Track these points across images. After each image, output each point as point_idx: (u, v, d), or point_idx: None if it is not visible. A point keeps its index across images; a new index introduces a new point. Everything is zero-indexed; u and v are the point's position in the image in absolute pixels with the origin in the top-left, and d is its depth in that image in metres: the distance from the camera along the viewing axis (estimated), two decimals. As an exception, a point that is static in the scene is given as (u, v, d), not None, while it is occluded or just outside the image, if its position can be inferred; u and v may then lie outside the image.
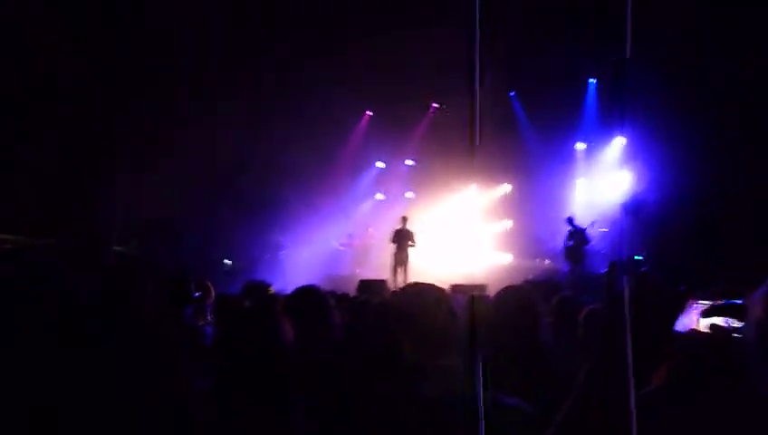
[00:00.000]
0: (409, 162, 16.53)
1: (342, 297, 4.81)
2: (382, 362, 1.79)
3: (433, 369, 1.51)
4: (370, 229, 15.22)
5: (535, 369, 2.26)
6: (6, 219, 7.54)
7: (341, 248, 15.49)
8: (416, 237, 12.42)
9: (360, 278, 10.97)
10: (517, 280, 6.08)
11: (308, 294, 2.60)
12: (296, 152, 13.76)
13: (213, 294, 4.34)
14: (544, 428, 1.44)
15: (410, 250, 12.76)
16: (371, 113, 16.07)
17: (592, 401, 1.36)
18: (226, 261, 13.62)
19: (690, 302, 1.58)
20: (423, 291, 1.66)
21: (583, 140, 15.11)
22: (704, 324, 1.51)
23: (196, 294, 3.89)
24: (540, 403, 1.54)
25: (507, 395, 1.54)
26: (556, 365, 2.27)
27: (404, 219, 12.92)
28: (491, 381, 1.35)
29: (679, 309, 1.48)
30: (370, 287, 8.73)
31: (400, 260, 12.40)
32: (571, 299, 3.11)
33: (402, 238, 12.56)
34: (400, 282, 11.63)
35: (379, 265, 13.50)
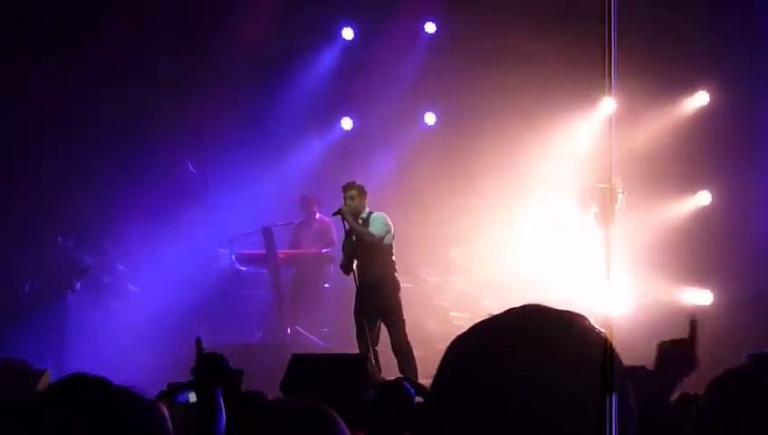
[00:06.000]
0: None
1: (246, 399, 5.46)
2: None
3: None
4: (319, 216, 15.31)
5: None
6: None
7: (243, 269, 15.68)
8: (379, 226, 12.40)
9: (293, 351, 10.91)
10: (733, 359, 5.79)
11: (75, 393, 2.47)
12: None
13: None
14: None
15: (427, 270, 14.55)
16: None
17: None
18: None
19: None
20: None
21: None
22: None
23: None
24: None
25: None
26: None
27: (348, 191, 12.49)
28: None
29: None
30: (324, 375, 9.28)
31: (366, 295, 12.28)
32: None
33: (358, 247, 12.48)
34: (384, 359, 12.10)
35: (345, 312, 13.26)
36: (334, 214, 12.54)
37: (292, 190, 15.54)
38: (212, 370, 5.74)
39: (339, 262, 13.45)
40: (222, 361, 5.78)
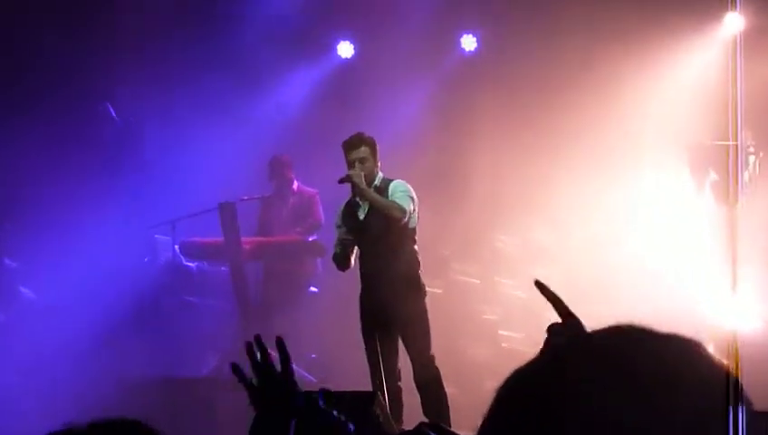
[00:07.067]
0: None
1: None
2: None
3: None
4: (297, 186, 14.55)
5: None
6: None
7: (191, 265, 14.74)
8: (404, 199, 11.06)
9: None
10: None
11: None
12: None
13: None
14: None
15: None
16: None
17: None
18: None
19: None
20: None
21: None
22: None
23: None
24: None
25: None
26: None
27: (355, 151, 11.13)
28: None
29: None
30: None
31: (378, 303, 11.03)
32: None
33: (367, 229, 11.19)
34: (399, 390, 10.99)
35: (343, 328, 12.48)
36: (341, 181, 11.03)
37: (262, 149, 13.98)
38: (276, 389, 4.98)
39: (332, 253, 11.68)
40: (290, 375, 5.08)
